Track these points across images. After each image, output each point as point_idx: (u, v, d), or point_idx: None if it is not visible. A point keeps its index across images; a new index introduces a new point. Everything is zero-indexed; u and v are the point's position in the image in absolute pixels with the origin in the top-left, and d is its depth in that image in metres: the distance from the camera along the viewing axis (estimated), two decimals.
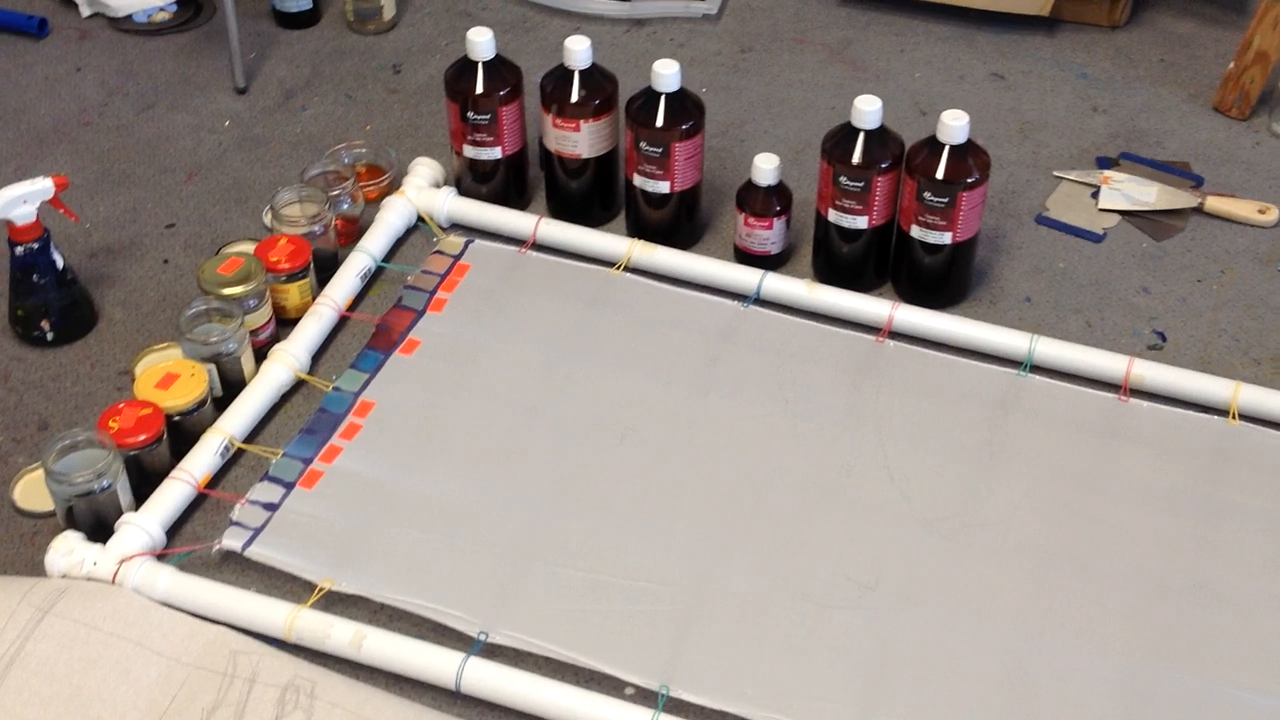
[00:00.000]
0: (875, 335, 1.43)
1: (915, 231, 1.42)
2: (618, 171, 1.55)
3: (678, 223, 1.53)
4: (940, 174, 1.38)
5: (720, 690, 1.13)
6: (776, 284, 1.46)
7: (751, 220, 1.49)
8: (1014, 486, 1.28)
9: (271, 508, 1.25)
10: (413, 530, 1.24)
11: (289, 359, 1.37)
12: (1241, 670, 1.14)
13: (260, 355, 1.38)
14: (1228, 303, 1.47)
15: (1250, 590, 1.19)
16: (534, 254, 1.51)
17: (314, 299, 1.44)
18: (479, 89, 1.49)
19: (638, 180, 1.49)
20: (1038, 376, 1.38)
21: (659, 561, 1.22)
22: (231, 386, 1.35)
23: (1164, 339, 1.43)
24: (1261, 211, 1.55)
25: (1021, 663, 1.15)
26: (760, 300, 1.46)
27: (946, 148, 1.38)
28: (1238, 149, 1.66)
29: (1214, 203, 1.57)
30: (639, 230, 1.53)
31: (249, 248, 1.46)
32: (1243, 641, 1.15)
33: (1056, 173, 1.64)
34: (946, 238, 1.41)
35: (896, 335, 1.43)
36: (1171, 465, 1.29)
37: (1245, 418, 1.33)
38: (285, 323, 1.43)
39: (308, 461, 1.29)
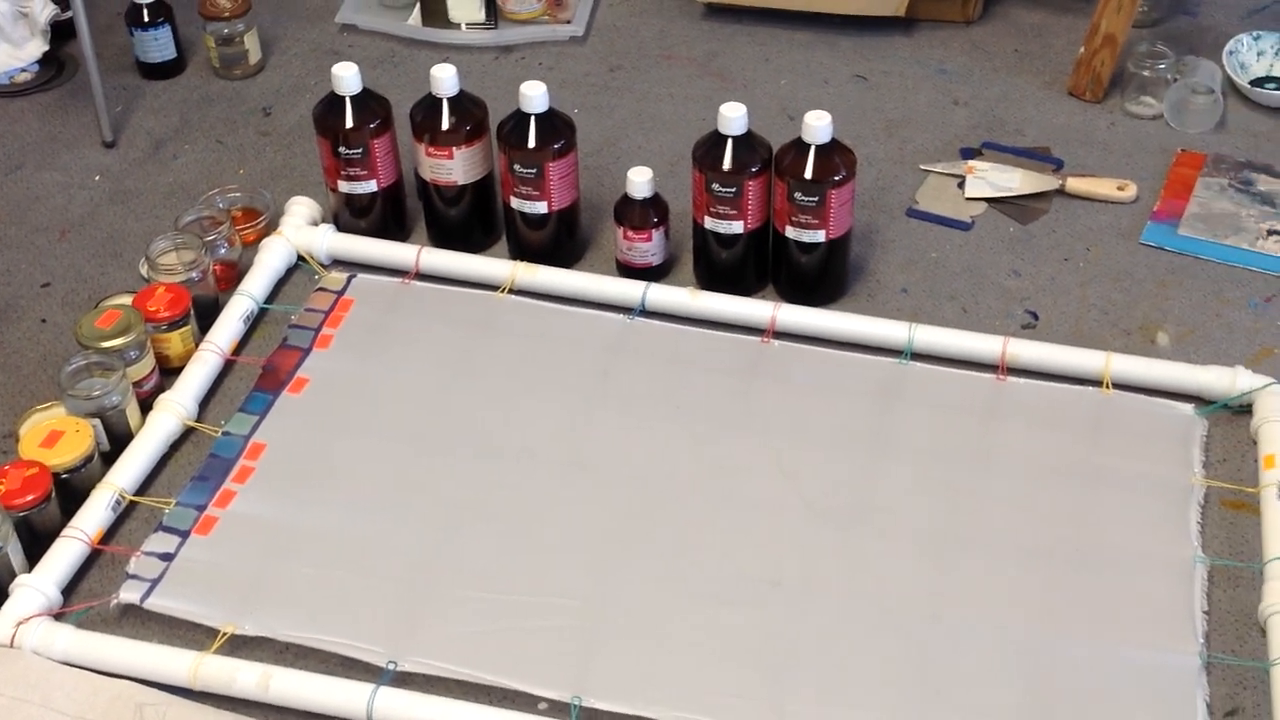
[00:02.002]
0: (760, 336, 1.45)
1: (790, 232, 1.45)
2: (495, 196, 1.57)
3: (559, 242, 1.54)
4: (808, 174, 1.41)
5: (632, 696, 1.14)
6: (660, 294, 1.48)
7: (630, 233, 1.51)
8: (903, 472, 1.31)
9: (168, 558, 1.24)
10: (314, 567, 1.24)
11: (175, 407, 1.36)
12: (1131, 630, 1.17)
13: (146, 406, 1.37)
14: (1094, 278, 1.52)
15: (1134, 552, 1.23)
16: (418, 284, 1.52)
17: (197, 346, 1.43)
18: (349, 123, 1.49)
19: (515, 202, 1.51)
20: (918, 364, 1.41)
21: (563, 575, 1.23)
22: (118, 440, 1.34)
23: (1036, 318, 1.48)
24: (1120, 188, 1.61)
25: (922, 642, 1.17)
26: (645, 312, 1.48)
27: (812, 148, 1.41)
28: (1094, 130, 1.72)
29: (1075, 183, 1.62)
30: (521, 252, 1.55)
31: (127, 300, 1.45)
32: (1130, 602, 1.19)
33: (923, 166, 1.68)
34: (820, 236, 1.44)
35: (781, 335, 1.45)
36: (1051, 438, 1.33)
37: (1118, 386, 1.37)
38: (169, 372, 1.42)
39: (201, 508, 1.29)
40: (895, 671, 1.15)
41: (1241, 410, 1.35)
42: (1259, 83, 1.75)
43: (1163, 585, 1.20)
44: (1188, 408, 1.35)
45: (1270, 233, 1.55)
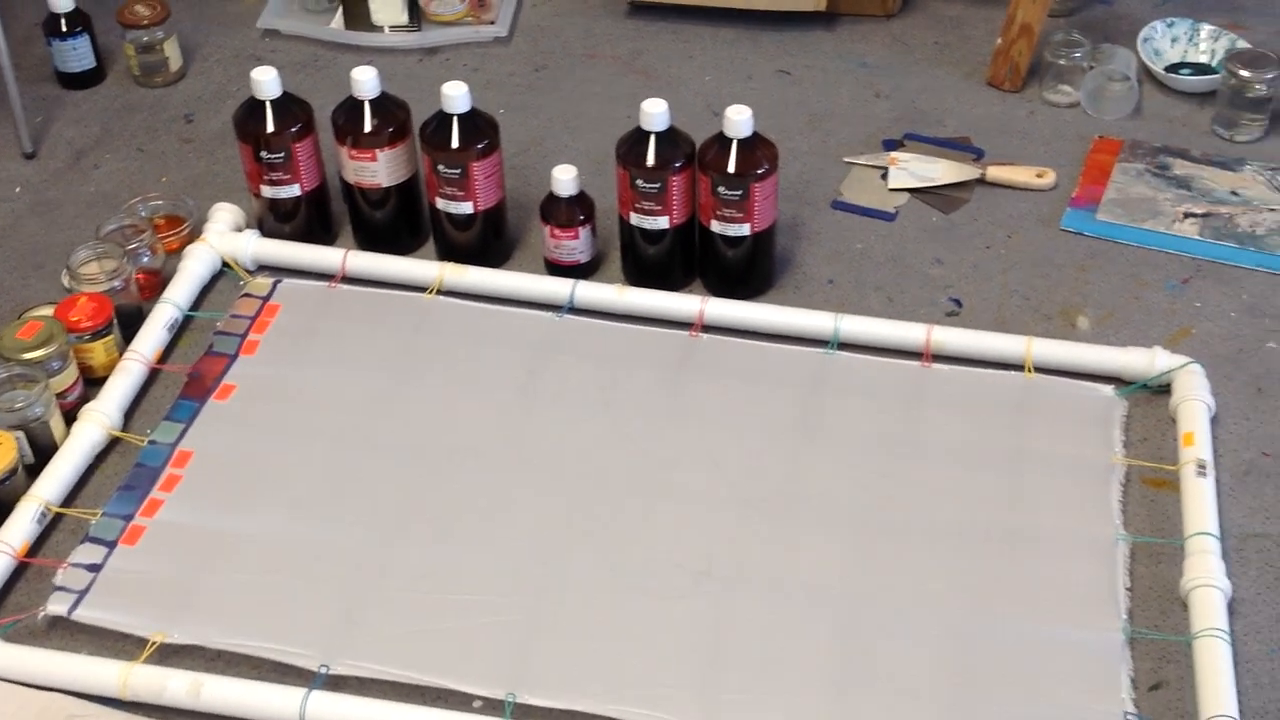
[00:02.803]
0: (688, 331, 1.46)
1: (715, 226, 1.46)
2: (420, 197, 1.56)
3: (486, 242, 1.54)
4: (731, 168, 1.42)
5: (566, 690, 1.14)
6: (588, 291, 1.49)
7: (557, 232, 1.51)
8: (832, 460, 1.32)
9: (95, 568, 1.23)
10: (244, 574, 1.23)
11: (100, 418, 1.34)
12: (1056, 608, 1.19)
13: (70, 417, 1.35)
14: (1016, 265, 1.54)
15: (1058, 532, 1.25)
16: (345, 287, 1.51)
17: (121, 355, 1.41)
18: (270, 128, 1.48)
19: (440, 203, 1.51)
20: (845, 353, 1.43)
21: (494, 574, 1.23)
22: (43, 452, 1.32)
23: (960, 305, 1.50)
24: (1039, 175, 1.63)
25: (853, 626, 1.18)
26: (574, 309, 1.48)
27: (734, 142, 1.42)
28: (1013, 120, 1.74)
29: (995, 172, 1.64)
30: (448, 253, 1.55)
31: (49, 311, 1.43)
32: (1054, 581, 1.21)
33: (846, 159, 1.70)
34: (745, 229, 1.45)
35: (709, 328, 1.46)
36: (976, 422, 1.35)
37: (1040, 370, 1.39)
38: (94, 382, 1.40)
39: (128, 518, 1.27)
40: (825, 656, 1.16)
41: (1160, 390, 1.38)
42: (1174, 69, 1.78)
43: (1086, 564, 1.22)
44: (1108, 389, 1.38)
45: (1186, 215, 1.58)
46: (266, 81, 1.48)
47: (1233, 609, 1.18)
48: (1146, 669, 1.15)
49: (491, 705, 1.14)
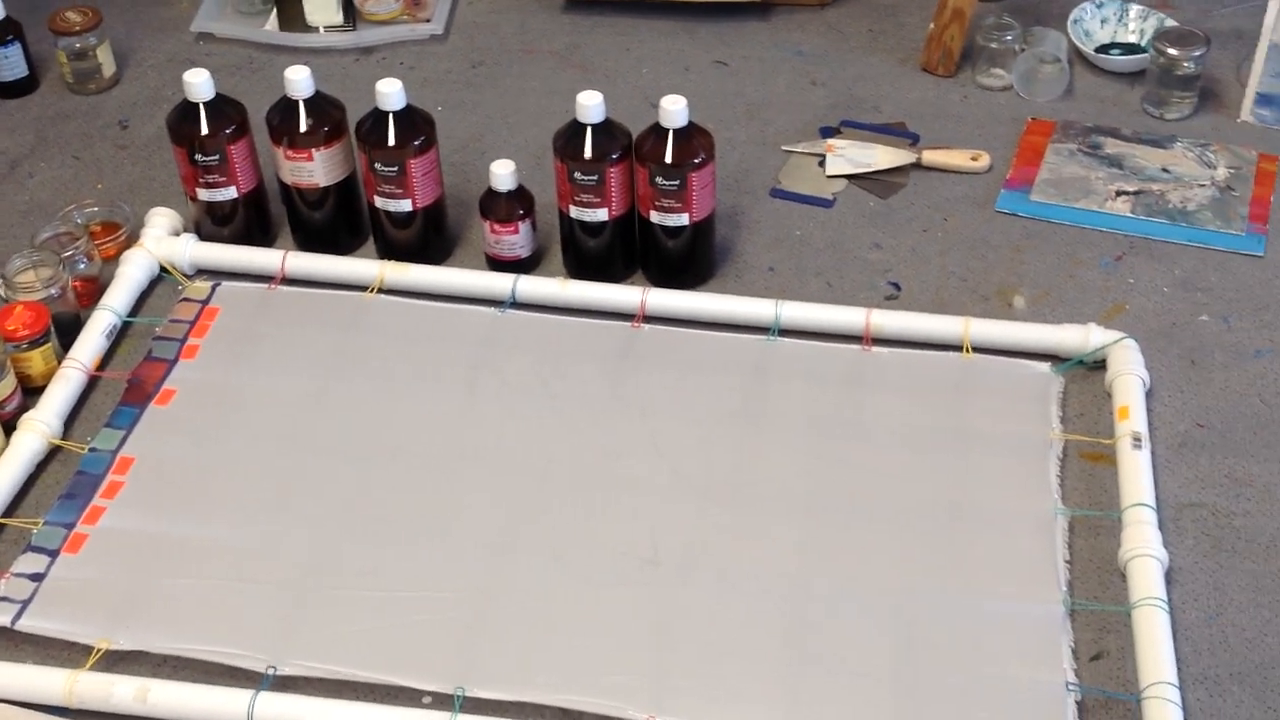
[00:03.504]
0: (631, 322, 1.46)
1: (654, 216, 1.46)
2: (359, 196, 1.56)
3: (426, 239, 1.54)
4: (668, 158, 1.42)
5: (515, 683, 1.15)
6: (530, 285, 1.49)
7: (497, 227, 1.51)
8: (775, 445, 1.33)
9: (38, 578, 1.22)
10: (189, 578, 1.23)
11: (39, 426, 1.33)
12: (999, 582, 1.21)
13: (9, 426, 1.34)
14: (953, 247, 1.56)
15: (998, 508, 1.26)
16: (285, 289, 1.51)
17: (59, 363, 1.40)
18: (204, 130, 1.48)
19: (379, 201, 1.50)
20: (786, 339, 1.44)
21: (442, 569, 1.23)
22: None
23: (899, 289, 1.51)
24: (974, 158, 1.65)
25: (800, 608, 1.19)
26: (517, 304, 1.49)
27: (670, 132, 1.42)
28: (948, 104, 1.76)
29: (930, 156, 1.66)
30: (389, 252, 1.54)
31: None
32: (995, 556, 1.23)
33: (784, 147, 1.71)
34: (684, 219, 1.46)
35: (651, 319, 1.47)
36: (916, 403, 1.36)
37: (978, 349, 1.41)
38: (32, 391, 1.39)
39: (70, 526, 1.27)
40: (774, 640, 1.17)
41: (1096, 366, 1.39)
42: (1104, 49, 1.80)
43: (1026, 538, 1.24)
44: (1044, 366, 1.39)
45: (1119, 193, 1.60)
46: (199, 84, 1.47)
47: (1170, 578, 1.20)
48: (1087, 640, 1.17)
49: (441, 700, 1.14)
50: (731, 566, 1.23)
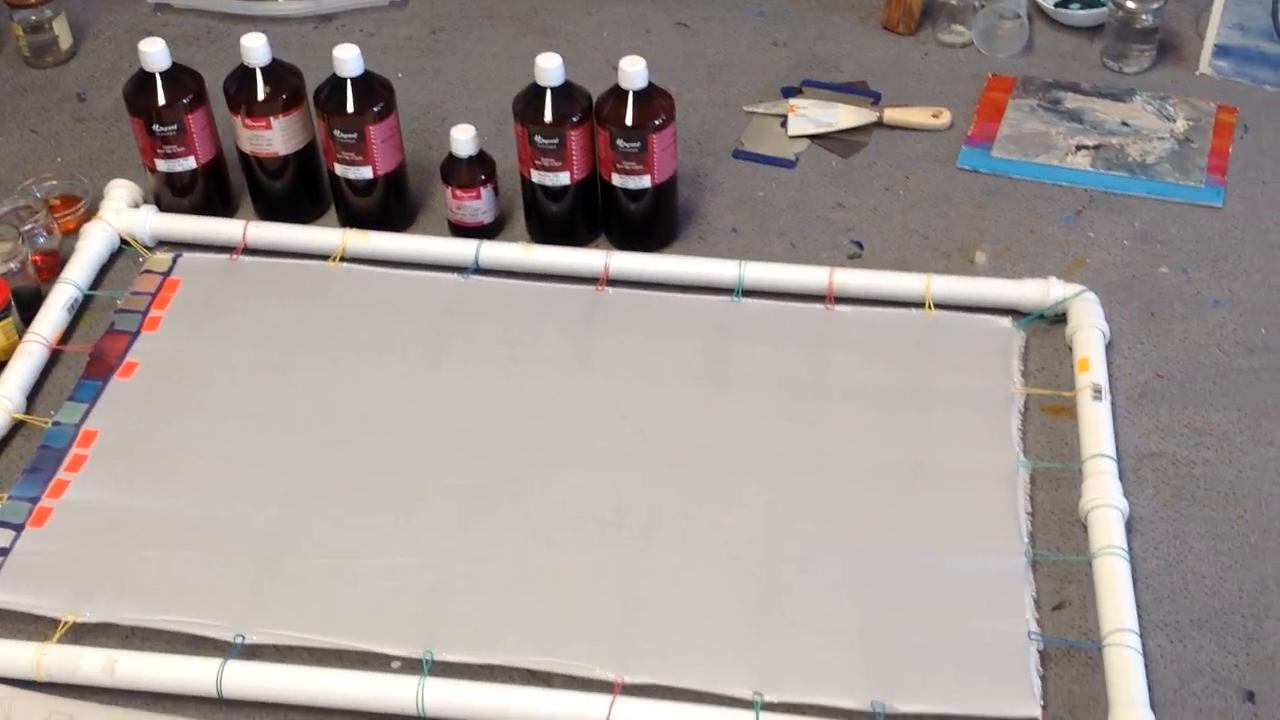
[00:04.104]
0: (595, 285, 1.46)
1: (616, 179, 1.46)
2: (319, 164, 1.55)
3: (388, 207, 1.54)
4: (629, 120, 1.42)
5: (482, 646, 1.15)
6: (493, 251, 1.49)
7: (459, 192, 1.51)
8: (740, 406, 1.34)
9: (3, 552, 1.22)
10: (154, 550, 1.22)
11: (2, 401, 1.33)
12: (963, 535, 1.21)
13: None
14: (914, 205, 1.56)
15: (961, 462, 1.27)
16: (246, 259, 1.50)
17: (20, 338, 1.39)
18: (161, 100, 1.47)
19: (339, 169, 1.50)
20: (750, 300, 1.44)
21: (408, 536, 1.23)
22: None
23: (861, 247, 1.51)
24: (935, 116, 1.65)
25: (766, 567, 1.20)
26: (480, 270, 1.48)
27: (630, 94, 1.42)
28: (909, 62, 1.76)
29: (892, 114, 1.66)
30: (350, 220, 1.54)
31: None
32: (959, 510, 1.23)
33: (746, 108, 1.70)
34: (645, 181, 1.46)
35: (615, 282, 1.47)
36: (880, 360, 1.37)
37: (940, 306, 1.41)
38: None
39: (35, 500, 1.26)
40: (740, 599, 1.18)
41: (1057, 320, 1.40)
42: (1063, 3, 1.80)
43: (988, 492, 1.24)
44: (1005, 321, 1.40)
45: (1079, 148, 1.60)
46: (155, 53, 1.46)
47: (1131, 527, 1.21)
48: (1049, 590, 1.18)
49: (409, 664, 1.15)
50: (697, 527, 1.24)
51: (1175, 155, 1.59)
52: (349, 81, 1.45)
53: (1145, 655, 1.11)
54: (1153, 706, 1.08)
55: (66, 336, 1.43)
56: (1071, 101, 1.66)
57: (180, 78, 1.48)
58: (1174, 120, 1.63)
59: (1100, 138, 1.61)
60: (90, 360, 1.39)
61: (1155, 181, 1.56)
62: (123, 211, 1.52)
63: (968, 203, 1.56)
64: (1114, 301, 1.42)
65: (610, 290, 1.46)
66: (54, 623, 1.17)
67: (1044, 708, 1.09)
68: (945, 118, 1.65)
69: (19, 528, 1.24)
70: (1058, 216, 1.53)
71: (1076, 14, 1.78)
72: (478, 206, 1.51)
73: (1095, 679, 1.11)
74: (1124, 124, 1.63)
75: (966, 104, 1.68)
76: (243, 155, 1.52)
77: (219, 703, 1.13)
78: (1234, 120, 1.63)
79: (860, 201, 1.57)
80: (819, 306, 1.43)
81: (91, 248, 1.49)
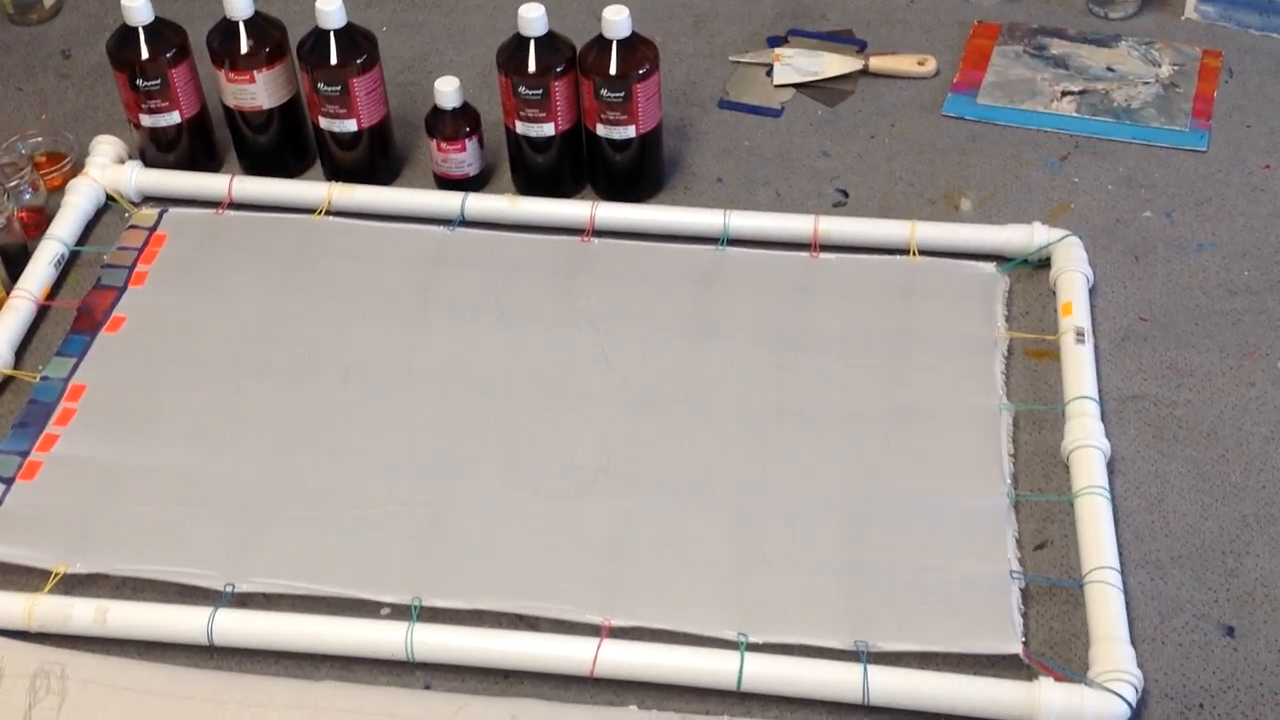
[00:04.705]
0: (580, 236, 1.47)
1: (600, 130, 1.46)
2: (304, 118, 1.55)
3: (373, 160, 1.54)
4: (613, 69, 1.42)
5: (471, 591, 1.16)
6: (479, 203, 1.49)
7: (444, 145, 1.50)
8: (725, 353, 1.34)
9: None
10: (144, 502, 1.23)
11: None
12: (945, 477, 1.22)
13: None
14: (900, 153, 1.56)
15: (944, 406, 1.28)
16: (232, 213, 1.50)
17: (8, 294, 1.40)
18: (144, 54, 1.46)
19: (324, 123, 1.50)
20: (734, 249, 1.44)
21: (396, 485, 1.24)
22: None
23: (846, 195, 1.52)
24: (920, 63, 1.65)
25: (751, 511, 1.21)
26: (466, 222, 1.49)
27: (614, 43, 1.41)
28: (894, 10, 1.75)
29: (877, 62, 1.66)
30: (336, 174, 1.54)
31: None
32: (942, 453, 1.24)
33: (732, 58, 1.70)
34: (630, 131, 1.46)
35: (601, 233, 1.47)
36: (864, 307, 1.37)
37: (925, 253, 1.42)
38: None
39: (24, 454, 1.27)
40: (726, 543, 1.19)
41: (1041, 265, 1.41)
42: None
43: (971, 434, 1.25)
44: (990, 266, 1.40)
45: (1064, 94, 1.60)
46: (137, 7, 1.45)
47: (1113, 468, 1.22)
48: (1031, 530, 1.19)
49: (399, 611, 1.16)
50: (683, 473, 1.24)
51: (1160, 100, 1.59)
52: (332, 34, 1.44)
53: (1126, 592, 1.12)
54: (1133, 642, 1.09)
55: (54, 292, 1.44)
56: (1057, 48, 1.66)
57: (163, 32, 1.48)
58: (1159, 65, 1.63)
59: (1085, 83, 1.61)
60: (78, 315, 1.40)
61: (1140, 126, 1.56)
62: (108, 167, 1.53)
63: (953, 150, 1.56)
64: (1098, 246, 1.42)
65: (596, 241, 1.46)
66: (45, 574, 1.18)
67: (1025, 644, 1.10)
68: (931, 65, 1.65)
69: (9, 481, 1.25)
70: (1042, 162, 1.53)
71: None
72: (463, 159, 1.51)
73: (1076, 616, 1.13)
74: (1109, 69, 1.63)
75: (952, 51, 1.68)
76: (227, 110, 1.52)
77: (210, 650, 1.14)
78: (1219, 64, 1.63)
79: (845, 150, 1.57)
80: (804, 254, 1.43)
81: (77, 204, 1.49)
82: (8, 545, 1.20)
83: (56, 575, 1.18)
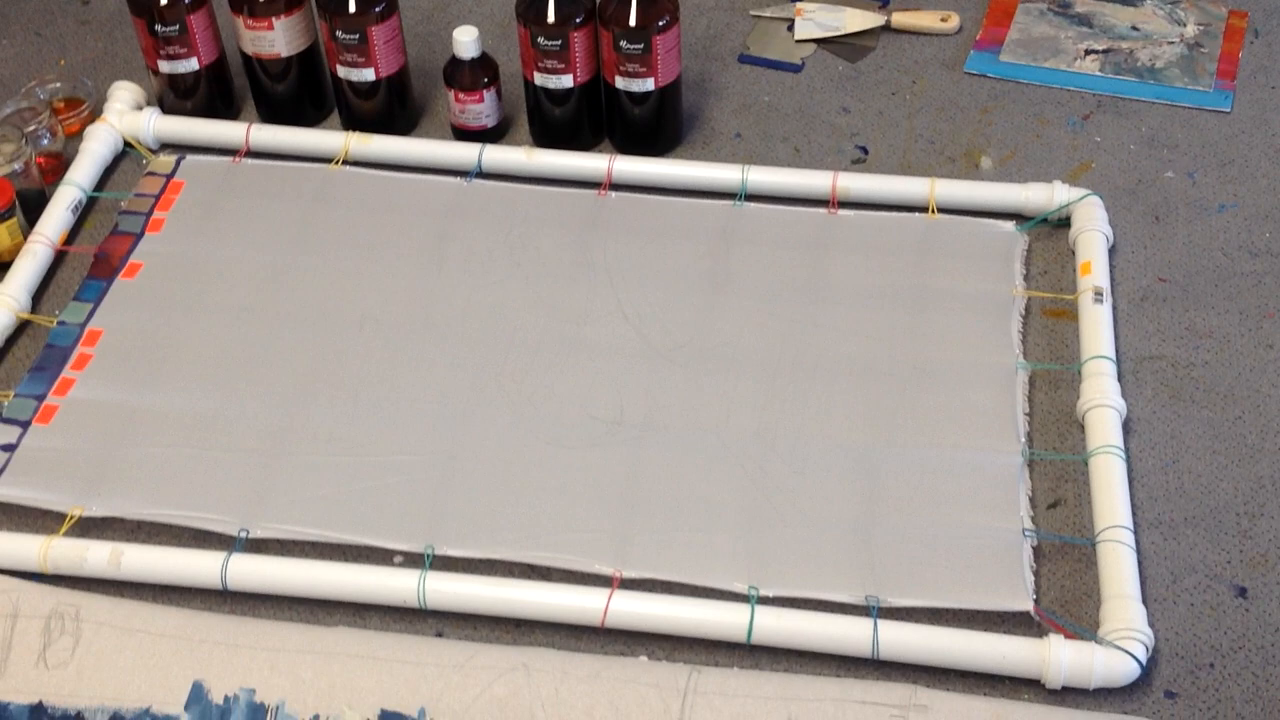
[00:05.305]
0: (597, 190, 1.46)
1: (620, 83, 1.45)
2: (322, 67, 1.55)
3: (391, 110, 1.53)
4: (632, 21, 1.41)
5: (483, 541, 1.16)
6: (496, 155, 1.48)
7: (462, 96, 1.50)
8: (741, 308, 1.34)
9: (9, 448, 1.24)
10: (160, 447, 1.24)
11: (7, 300, 1.34)
12: (959, 434, 1.22)
13: None
14: (921, 109, 1.55)
15: (960, 364, 1.27)
16: (249, 161, 1.50)
17: (25, 239, 1.40)
18: None
19: (342, 71, 1.49)
20: (752, 204, 1.44)
21: (410, 434, 1.25)
22: None
23: (866, 152, 1.51)
24: (944, 20, 1.64)
25: (764, 464, 1.21)
26: (482, 174, 1.48)
27: None
28: None
29: (899, 18, 1.64)
30: (353, 123, 1.53)
31: None
32: (957, 410, 1.24)
33: (753, 12, 1.69)
34: (649, 84, 1.45)
35: (618, 187, 1.46)
36: (882, 263, 1.37)
37: (944, 210, 1.41)
38: None
39: (41, 398, 1.28)
40: (737, 495, 1.19)
41: (1061, 224, 1.40)
42: None
43: (986, 393, 1.25)
44: (1009, 225, 1.39)
45: (1088, 52, 1.59)
46: None
47: (1129, 428, 1.22)
48: (1045, 488, 1.19)
49: (411, 559, 1.16)
50: (696, 426, 1.24)
51: (1184, 60, 1.57)
52: None
53: (1139, 552, 1.12)
54: (1144, 601, 1.09)
55: (71, 238, 1.44)
56: (1081, 5, 1.64)
57: None
58: (1184, 24, 1.61)
59: (1110, 42, 1.59)
60: (95, 261, 1.40)
61: (1164, 86, 1.54)
62: (126, 114, 1.52)
63: (974, 107, 1.55)
64: (1118, 206, 1.41)
65: (612, 194, 1.46)
66: (60, 517, 1.19)
67: (1036, 602, 1.10)
68: (954, 21, 1.63)
69: (25, 424, 1.26)
70: (1065, 121, 1.52)
71: None
72: (481, 110, 1.51)
73: (1088, 574, 1.12)
74: (1134, 28, 1.61)
75: (975, 8, 1.66)
76: (245, 57, 1.52)
77: (224, 595, 1.15)
78: (1244, 25, 1.61)
79: (866, 106, 1.56)
80: (822, 211, 1.42)
81: (95, 150, 1.49)
82: (24, 488, 1.21)
83: (72, 518, 1.19)
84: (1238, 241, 1.38)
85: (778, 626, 1.09)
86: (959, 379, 1.26)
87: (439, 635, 1.12)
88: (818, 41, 1.64)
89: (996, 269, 1.35)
